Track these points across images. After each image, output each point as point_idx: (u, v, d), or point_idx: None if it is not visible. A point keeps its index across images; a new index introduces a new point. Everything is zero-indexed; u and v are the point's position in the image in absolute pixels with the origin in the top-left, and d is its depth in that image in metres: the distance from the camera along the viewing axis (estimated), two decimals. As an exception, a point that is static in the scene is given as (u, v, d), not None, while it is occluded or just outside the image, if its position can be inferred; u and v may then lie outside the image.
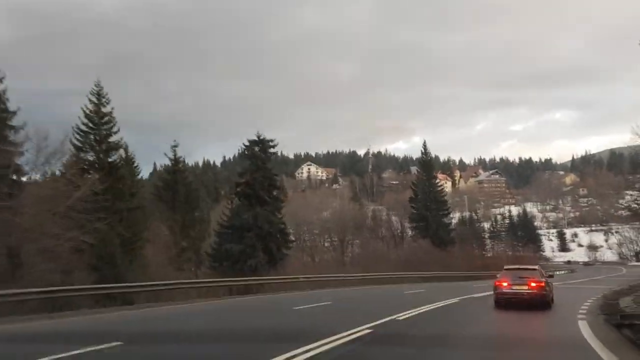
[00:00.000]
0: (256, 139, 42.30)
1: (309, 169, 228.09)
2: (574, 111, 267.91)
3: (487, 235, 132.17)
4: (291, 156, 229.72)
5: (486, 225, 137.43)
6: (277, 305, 18.12)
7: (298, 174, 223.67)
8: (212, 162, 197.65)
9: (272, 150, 42.77)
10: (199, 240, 40.79)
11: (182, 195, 40.01)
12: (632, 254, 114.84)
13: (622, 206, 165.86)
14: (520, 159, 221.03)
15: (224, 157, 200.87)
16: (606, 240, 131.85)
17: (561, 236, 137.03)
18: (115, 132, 32.97)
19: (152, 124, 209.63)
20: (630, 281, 35.57)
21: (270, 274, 35.90)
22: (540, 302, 15.71)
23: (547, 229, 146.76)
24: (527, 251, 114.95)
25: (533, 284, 15.81)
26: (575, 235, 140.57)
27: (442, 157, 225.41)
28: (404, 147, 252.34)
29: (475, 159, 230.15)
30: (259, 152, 42.22)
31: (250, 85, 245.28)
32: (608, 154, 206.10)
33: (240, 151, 42.20)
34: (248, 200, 41.52)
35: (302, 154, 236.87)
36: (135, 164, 42.89)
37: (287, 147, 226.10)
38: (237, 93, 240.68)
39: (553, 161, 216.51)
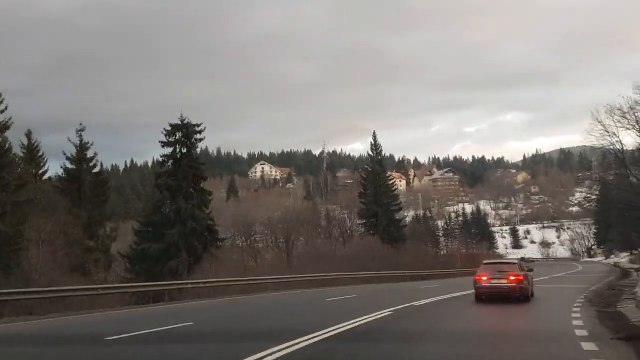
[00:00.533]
0: (179, 122, 36.75)
1: (262, 168, 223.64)
2: (525, 113, 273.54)
3: (441, 234, 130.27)
4: (245, 156, 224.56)
5: (440, 223, 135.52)
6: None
7: (251, 173, 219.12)
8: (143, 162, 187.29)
9: (198, 136, 37.16)
10: (109, 239, 34.79)
11: (89, 187, 33.92)
12: (584, 250, 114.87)
13: (573, 203, 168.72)
14: (473, 157, 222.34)
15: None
16: (558, 237, 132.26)
17: (514, 233, 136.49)
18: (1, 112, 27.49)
19: (103, 125, 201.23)
20: (597, 278, 33.19)
21: (195, 277, 30.68)
22: (519, 296, 15.79)
23: (500, 226, 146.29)
24: (481, 249, 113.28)
25: (512, 278, 15.87)
26: (528, 232, 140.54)
27: (398, 157, 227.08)
28: (361, 147, 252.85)
29: (430, 159, 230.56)
30: (182, 138, 36.66)
31: (205, 86, 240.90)
32: (558, 153, 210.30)
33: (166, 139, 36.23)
34: (170, 192, 35.96)
35: (257, 153, 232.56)
36: (41, 154, 36.75)
37: (241, 147, 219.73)
38: (192, 93, 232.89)
39: (505, 160, 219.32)
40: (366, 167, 59.50)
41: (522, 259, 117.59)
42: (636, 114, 40.12)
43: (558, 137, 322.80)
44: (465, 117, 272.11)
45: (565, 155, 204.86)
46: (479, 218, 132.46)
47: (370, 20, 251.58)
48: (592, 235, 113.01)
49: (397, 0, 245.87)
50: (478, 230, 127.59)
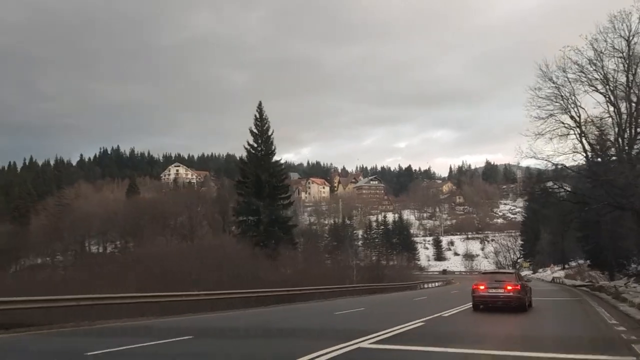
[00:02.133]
0: None
1: (177, 170, 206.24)
2: (453, 130, 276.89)
3: (360, 243, 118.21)
4: (160, 158, 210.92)
5: (361, 232, 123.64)
6: None
7: (164, 175, 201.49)
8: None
9: None
10: None
11: None
12: (509, 263, 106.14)
13: (498, 215, 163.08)
14: (400, 167, 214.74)
15: (81, 156, 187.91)
16: (482, 249, 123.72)
17: (437, 244, 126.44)
18: None
19: (24, 124, 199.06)
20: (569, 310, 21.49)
21: None
22: (516, 305, 16.06)
23: (423, 236, 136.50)
24: (401, 260, 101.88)
25: (509, 287, 16.26)
26: (451, 243, 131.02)
27: (323, 163, 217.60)
28: (293, 157, 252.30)
29: (357, 167, 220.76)
30: None
31: (138, 89, 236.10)
32: (483, 167, 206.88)
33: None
34: None
35: (173, 155, 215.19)
36: None
37: (173, 151, 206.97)
38: (125, 96, 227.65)
39: (432, 171, 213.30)
40: (246, 147, 44.88)
41: (444, 272, 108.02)
42: (605, 68, 28.52)
43: (483, 155, 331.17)
44: (397, 132, 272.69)
45: (490, 167, 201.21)
46: (401, 226, 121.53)
47: (306, 32, 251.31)
48: (517, 247, 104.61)
49: (333, 14, 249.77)
50: (399, 240, 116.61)
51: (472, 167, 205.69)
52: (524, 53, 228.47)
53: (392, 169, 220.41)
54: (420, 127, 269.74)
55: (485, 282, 16.96)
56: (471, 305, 17.05)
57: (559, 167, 29.70)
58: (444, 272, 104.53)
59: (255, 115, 45.36)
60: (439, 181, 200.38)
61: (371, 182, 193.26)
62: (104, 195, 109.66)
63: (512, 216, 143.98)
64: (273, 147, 45.34)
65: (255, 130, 45.32)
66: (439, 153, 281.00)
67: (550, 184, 37.58)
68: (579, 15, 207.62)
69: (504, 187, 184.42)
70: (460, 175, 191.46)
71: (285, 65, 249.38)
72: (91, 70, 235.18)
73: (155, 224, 40.19)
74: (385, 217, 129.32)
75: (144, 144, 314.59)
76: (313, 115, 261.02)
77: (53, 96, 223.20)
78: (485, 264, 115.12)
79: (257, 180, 43.74)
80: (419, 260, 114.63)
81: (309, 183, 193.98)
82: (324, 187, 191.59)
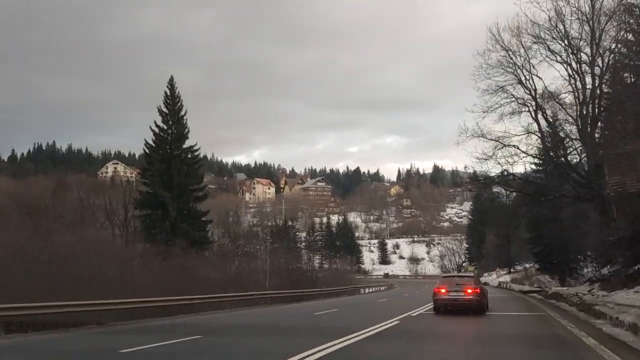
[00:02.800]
0: None
1: (115, 167, 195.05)
2: (404, 137, 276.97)
3: (302, 245, 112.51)
4: (99, 155, 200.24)
5: (304, 234, 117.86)
6: None
7: (101, 173, 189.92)
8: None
9: None
10: None
11: None
12: (454, 266, 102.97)
13: (444, 218, 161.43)
14: (348, 169, 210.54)
15: (13, 151, 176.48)
16: (428, 252, 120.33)
17: (382, 247, 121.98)
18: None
19: None
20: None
21: None
22: (476, 308, 16.61)
23: (369, 239, 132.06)
24: (344, 263, 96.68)
25: (469, 291, 16.84)
26: (397, 246, 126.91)
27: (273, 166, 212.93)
28: (245, 160, 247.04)
29: (306, 169, 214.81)
30: None
31: (84, 85, 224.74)
32: (431, 171, 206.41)
33: None
34: None
35: (113, 152, 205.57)
36: None
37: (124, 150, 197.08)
38: (69, 92, 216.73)
39: (381, 174, 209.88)
40: (153, 128, 37.96)
41: (386, 275, 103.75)
42: (568, 33, 23.70)
43: (431, 161, 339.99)
44: (348, 137, 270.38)
45: (438, 172, 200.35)
46: (345, 228, 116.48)
47: (258, 35, 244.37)
48: (463, 251, 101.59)
49: (286, 18, 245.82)
50: (343, 242, 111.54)
51: (421, 171, 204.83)
52: (474, 64, 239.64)
53: (340, 172, 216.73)
54: (372, 132, 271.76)
55: (446, 285, 17.42)
56: (432, 307, 17.36)
57: (505, 173, 25.09)
58: (386, 275, 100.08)
59: (166, 92, 38.58)
60: (388, 184, 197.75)
61: (318, 183, 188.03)
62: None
63: (458, 220, 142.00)
64: (186, 129, 38.70)
65: (164, 110, 38.54)
66: (390, 158, 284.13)
67: (497, 189, 33.53)
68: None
69: (451, 190, 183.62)
70: (409, 179, 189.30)
71: (237, 67, 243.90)
72: (33, 64, 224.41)
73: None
74: (329, 219, 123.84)
75: (89, 143, 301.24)
76: (265, 118, 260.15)
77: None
78: (431, 268, 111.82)
79: (166, 168, 37.05)
80: (362, 264, 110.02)
81: (254, 183, 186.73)
82: (269, 188, 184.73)
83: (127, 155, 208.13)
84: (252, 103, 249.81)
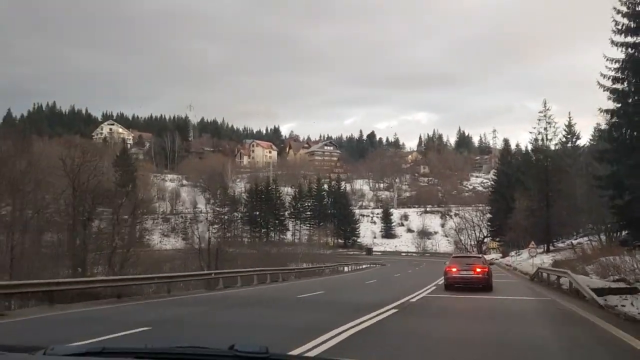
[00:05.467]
0: None
1: (110, 129, 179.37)
2: (434, 113, 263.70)
3: (286, 214, 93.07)
4: (99, 117, 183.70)
5: (288, 201, 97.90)
6: None
7: (95, 134, 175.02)
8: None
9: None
10: None
11: None
12: (473, 242, 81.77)
13: (467, 188, 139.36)
14: (361, 133, 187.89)
15: (8, 110, 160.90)
16: (442, 225, 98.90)
17: (386, 217, 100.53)
18: None
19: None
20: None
21: None
22: (484, 285, 18.30)
23: (372, 208, 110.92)
24: (340, 237, 76.79)
25: (478, 270, 18.74)
26: (405, 217, 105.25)
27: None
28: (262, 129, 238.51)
29: (321, 136, 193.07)
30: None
31: (110, 58, 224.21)
32: (456, 137, 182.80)
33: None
34: None
35: (115, 114, 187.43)
36: None
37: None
38: (94, 64, 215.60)
39: (401, 142, 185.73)
40: None
41: (369, 252, 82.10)
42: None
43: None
44: (377, 113, 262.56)
45: (463, 139, 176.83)
46: (338, 194, 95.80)
47: (284, 9, 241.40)
48: (485, 224, 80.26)
49: None
50: (336, 211, 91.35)
51: (444, 139, 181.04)
52: (506, 40, 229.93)
53: (355, 138, 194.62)
54: (401, 109, 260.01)
55: (457, 265, 19.36)
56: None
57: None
58: (369, 252, 78.90)
59: None
60: (406, 151, 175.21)
61: (325, 147, 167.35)
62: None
63: (483, 190, 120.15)
64: None
65: None
66: (418, 136, 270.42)
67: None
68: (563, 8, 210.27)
69: (477, 158, 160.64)
70: (429, 143, 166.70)
71: (263, 42, 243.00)
72: (60, 37, 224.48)
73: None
74: (318, 182, 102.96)
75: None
76: (292, 93, 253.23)
77: (27, 61, 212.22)
78: (444, 244, 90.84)
79: None
80: (358, 238, 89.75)
81: (252, 146, 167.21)
82: (270, 152, 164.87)
83: (130, 118, 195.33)
84: (279, 78, 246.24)
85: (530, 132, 50.98)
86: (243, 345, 1.70)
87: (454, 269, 18.89)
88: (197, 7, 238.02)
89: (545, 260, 36.06)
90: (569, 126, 57.82)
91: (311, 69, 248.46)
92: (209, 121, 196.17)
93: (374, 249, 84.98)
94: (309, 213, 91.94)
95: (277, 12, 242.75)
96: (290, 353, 5.03)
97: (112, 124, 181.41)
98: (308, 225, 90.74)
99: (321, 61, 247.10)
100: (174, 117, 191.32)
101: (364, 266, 48.98)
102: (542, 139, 49.13)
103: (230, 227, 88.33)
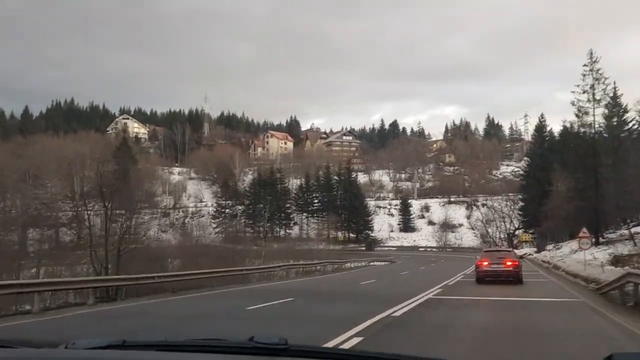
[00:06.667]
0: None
1: (125, 123, 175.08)
2: (462, 107, 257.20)
3: (293, 208, 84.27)
4: (116, 113, 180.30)
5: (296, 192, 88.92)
6: None
7: (110, 129, 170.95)
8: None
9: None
10: None
11: None
12: (503, 236, 71.12)
13: (496, 177, 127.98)
14: (382, 122, 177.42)
15: (26, 107, 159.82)
16: (468, 217, 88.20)
17: (405, 209, 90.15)
18: None
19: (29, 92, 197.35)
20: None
21: None
22: (514, 278, 19.00)
23: (391, 199, 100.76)
24: (352, 230, 67.54)
25: (509, 263, 19.43)
26: (426, 208, 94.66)
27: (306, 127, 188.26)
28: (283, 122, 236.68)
29: (343, 128, 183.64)
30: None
31: (140, 57, 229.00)
32: (485, 125, 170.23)
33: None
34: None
35: (132, 109, 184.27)
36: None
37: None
38: (127, 64, 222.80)
39: (426, 132, 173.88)
40: None
41: (369, 246, 69.38)
42: None
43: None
44: (404, 108, 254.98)
45: (492, 127, 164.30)
46: (349, 184, 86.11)
47: (312, 5, 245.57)
48: (516, 214, 69.58)
49: None
50: (347, 203, 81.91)
51: (473, 127, 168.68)
52: (538, 30, 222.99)
53: (376, 128, 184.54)
54: (429, 102, 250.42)
55: (489, 258, 19.98)
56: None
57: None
58: (369, 247, 68.15)
59: None
60: (431, 141, 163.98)
61: (344, 137, 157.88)
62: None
63: (515, 179, 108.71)
64: None
65: None
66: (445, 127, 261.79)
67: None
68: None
69: (508, 146, 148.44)
70: (455, 131, 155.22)
71: (291, 39, 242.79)
72: (93, 38, 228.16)
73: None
74: (327, 170, 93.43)
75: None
76: (318, 89, 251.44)
77: (61, 64, 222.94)
78: (470, 237, 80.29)
79: None
80: (372, 232, 79.92)
81: (267, 137, 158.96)
82: (285, 143, 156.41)
83: (148, 113, 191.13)
84: (305, 74, 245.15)
85: (572, 92, 40.38)
86: (262, 337, 1.73)
87: (485, 263, 19.66)
88: (225, 5, 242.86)
89: (596, 255, 26.17)
90: (614, 98, 46.96)
91: (337, 65, 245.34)
92: (227, 115, 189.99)
93: (386, 244, 75.42)
94: (315, 205, 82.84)
95: (304, 9, 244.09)
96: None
97: (127, 119, 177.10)
98: (317, 218, 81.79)
99: (348, 56, 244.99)
100: (190, 111, 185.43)
101: (361, 264, 39.93)
102: (588, 100, 38.61)
103: (232, 222, 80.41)
